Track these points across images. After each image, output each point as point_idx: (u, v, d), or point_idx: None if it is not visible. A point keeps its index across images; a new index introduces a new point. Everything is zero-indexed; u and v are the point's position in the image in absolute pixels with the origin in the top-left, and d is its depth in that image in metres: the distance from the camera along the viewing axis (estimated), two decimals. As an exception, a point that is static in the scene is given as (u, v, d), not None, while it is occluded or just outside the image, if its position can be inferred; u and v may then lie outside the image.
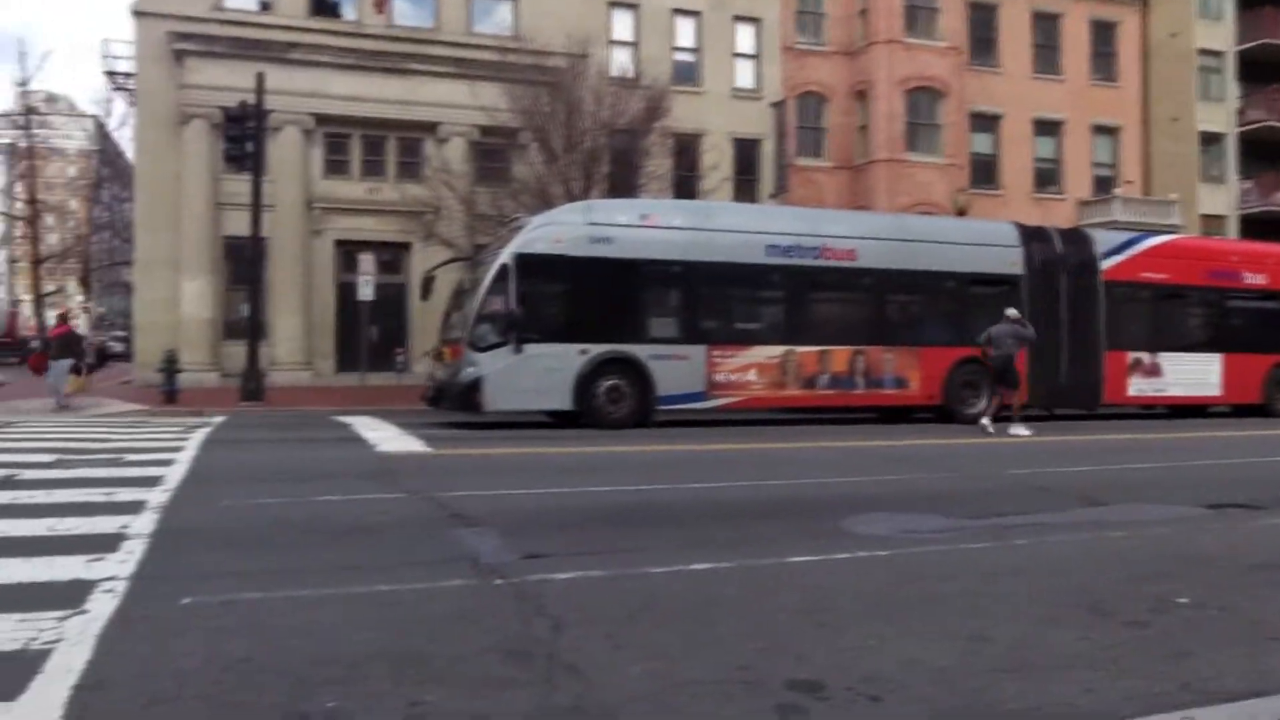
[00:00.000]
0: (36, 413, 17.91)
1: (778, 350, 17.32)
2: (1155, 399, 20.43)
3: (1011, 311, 16.36)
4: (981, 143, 33.99)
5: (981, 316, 18.78)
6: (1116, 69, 36.07)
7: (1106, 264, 19.73)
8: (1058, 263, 19.42)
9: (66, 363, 18.62)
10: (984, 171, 33.84)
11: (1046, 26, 35.00)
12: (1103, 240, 20.45)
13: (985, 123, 33.91)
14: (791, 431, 16.01)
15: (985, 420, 15.98)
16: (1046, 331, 18.95)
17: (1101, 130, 35.80)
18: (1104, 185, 35.58)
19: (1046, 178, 35.16)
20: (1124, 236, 21.24)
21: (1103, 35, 35.90)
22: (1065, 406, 19.77)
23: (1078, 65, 35.24)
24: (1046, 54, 35.04)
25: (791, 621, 4.56)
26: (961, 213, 27.65)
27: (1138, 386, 19.83)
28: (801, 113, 31.96)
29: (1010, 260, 19.01)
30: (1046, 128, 34.94)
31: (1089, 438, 15.71)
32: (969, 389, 18.41)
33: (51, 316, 46.36)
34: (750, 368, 17.08)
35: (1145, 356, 19.82)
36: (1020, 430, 15.41)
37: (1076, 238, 20.45)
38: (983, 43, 33.95)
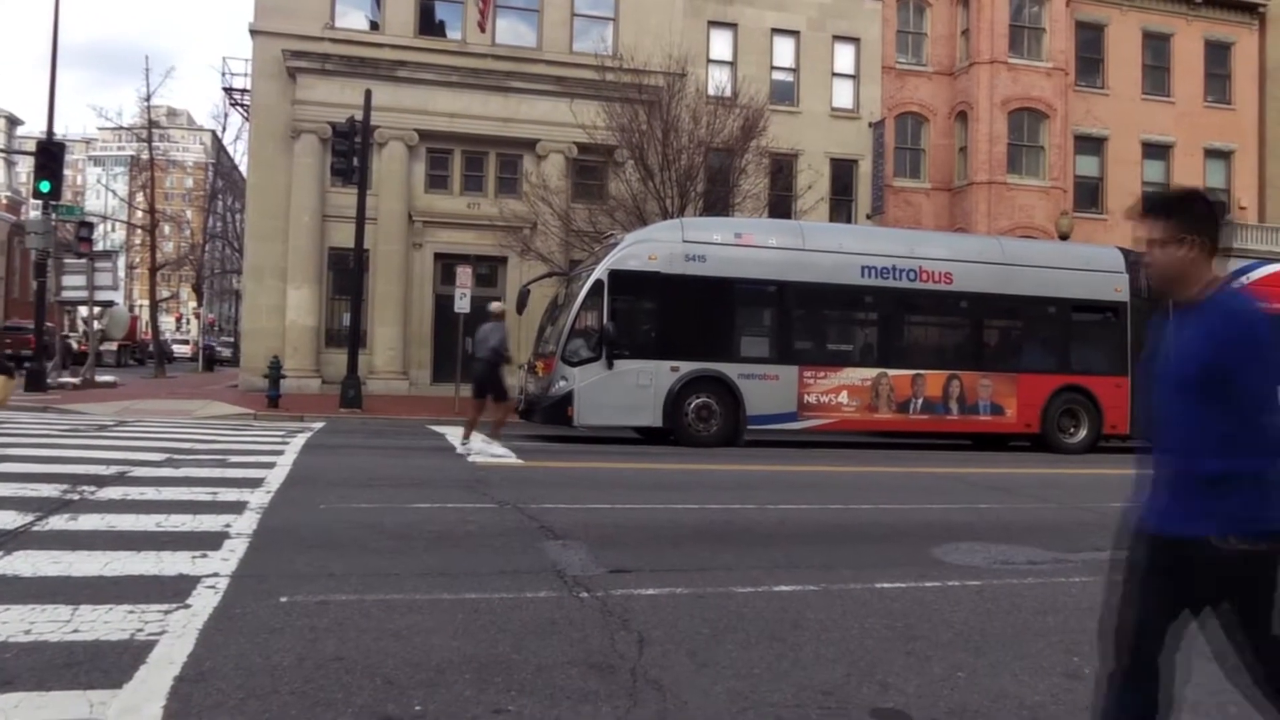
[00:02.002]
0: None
1: (870, 373, 17.11)
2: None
3: (496, 305, 14.05)
4: (1086, 165, 33.08)
5: (1084, 344, 18.40)
6: (1231, 91, 34.82)
7: (1218, 292, 19.05)
8: (1166, 290, 18.81)
9: None
10: (1088, 195, 32.96)
11: (1157, 47, 33.95)
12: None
13: (1090, 145, 33.02)
14: (882, 456, 15.77)
15: (479, 445, 13.28)
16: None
17: (1214, 154, 34.54)
18: (1217, 211, 34.35)
19: (1155, 203, 34.01)
20: (1237, 264, 20.50)
21: (1217, 56, 34.68)
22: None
23: (1190, 87, 34.08)
24: (1156, 75, 33.98)
25: (878, 648, 4.51)
26: (1064, 237, 26.93)
27: None
28: (900, 133, 31.58)
29: (1115, 286, 18.47)
30: (1155, 151, 33.85)
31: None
32: (1069, 418, 17.97)
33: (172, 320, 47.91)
34: (842, 390, 16.90)
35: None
36: (495, 449, 13.02)
37: (1186, 265, 19.75)
38: (1089, 63, 33.08)
